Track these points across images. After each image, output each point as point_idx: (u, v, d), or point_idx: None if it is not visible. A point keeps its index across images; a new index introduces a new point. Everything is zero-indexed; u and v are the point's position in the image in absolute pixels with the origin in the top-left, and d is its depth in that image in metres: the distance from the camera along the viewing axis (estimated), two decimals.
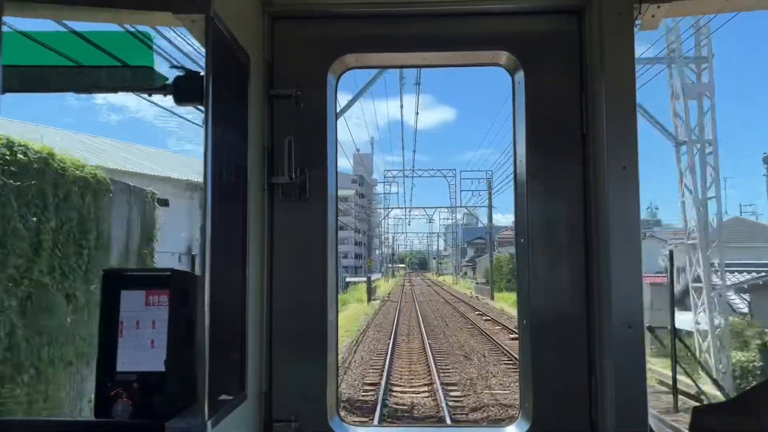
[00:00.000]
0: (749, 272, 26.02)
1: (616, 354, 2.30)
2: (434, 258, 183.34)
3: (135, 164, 21.56)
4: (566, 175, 2.59)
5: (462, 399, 15.10)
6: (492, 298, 53.40)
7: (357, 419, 12.99)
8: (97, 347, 2.00)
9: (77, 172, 9.47)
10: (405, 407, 14.45)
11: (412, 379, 17.87)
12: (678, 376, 13.65)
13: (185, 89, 2.32)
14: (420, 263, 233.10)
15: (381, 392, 15.40)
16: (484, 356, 21.33)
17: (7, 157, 8.16)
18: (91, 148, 20.95)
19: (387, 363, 19.54)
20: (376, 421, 12.91)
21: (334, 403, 2.67)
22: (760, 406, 2.01)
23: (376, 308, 44.46)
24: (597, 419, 2.46)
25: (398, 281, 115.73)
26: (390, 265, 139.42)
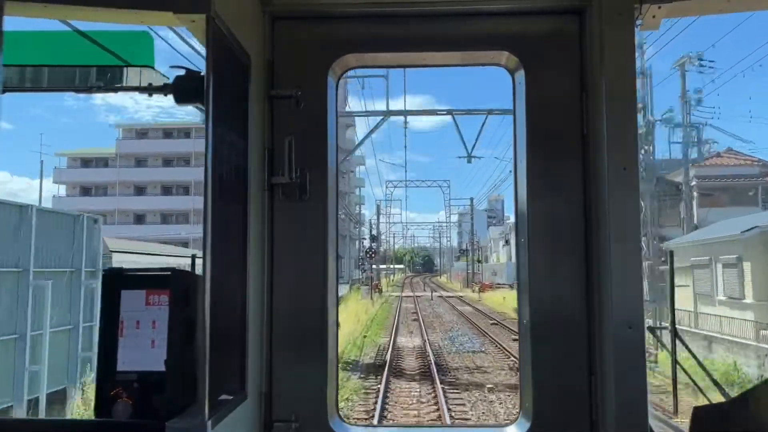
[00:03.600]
0: None
1: (616, 354, 2.30)
2: (462, 251, 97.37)
3: None
4: (566, 175, 2.59)
5: None
6: None
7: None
8: (97, 346, 2.00)
9: None
10: None
11: None
12: None
13: (186, 89, 2.32)
14: (424, 263, 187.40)
15: None
16: None
17: None
18: None
19: None
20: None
21: (335, 403, 2.67)
22: (760, 406, 2.01)
23: None
24: (597, 419, 2.46)
25: (384, 313, 41.77)
26: (373, 267, 63.75)
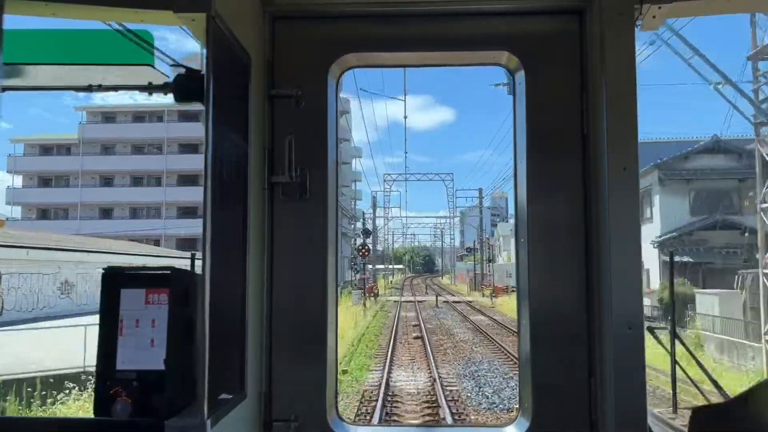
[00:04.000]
0: None
1: (616, 354, 2.30)
2: (468, 250, 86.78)
3: None
4: (566, 175, 2.59)
5: None
6: None
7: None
8: (97, 345, 2.00)
9: None
10: None
11: None
12: None
13: (186, 88, 2.33)
14: (425, 263, 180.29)
15: None
16: None
17: None
18: None
19: None
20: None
21: (334, 402, 2.67)
22: (760, 406, 2.01)
23: None
24: (597, 419, 2.46)
25: (378, 326, 31.90)
26: (369, 267, 55.39)
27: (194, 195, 65.03)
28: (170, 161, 68.23)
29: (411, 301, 52.71)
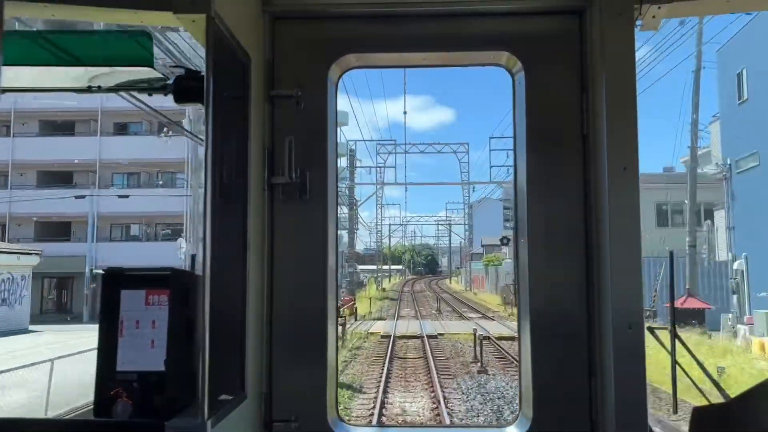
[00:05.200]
0: None
1: (616, 354, 2.30)
2: (503, 241, 52.62)
3: None
4: (566, 175, 2.59)
5: None
6: None
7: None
8: (97, 346, 2.00)
9: None
10: None
11: None
12: None
13: (186, 89, 2.33)
14: (427, 263, 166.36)
15: None
16: None
17: None
18: None
19: None
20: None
21: (334, 403, 2.67)
22: (760, 406, 2.01)
23: None
24: (597, 420, 2.46)
25: None
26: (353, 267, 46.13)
27: (67, 151, 41.92)
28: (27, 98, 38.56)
29: (416, 337, 26.84)
